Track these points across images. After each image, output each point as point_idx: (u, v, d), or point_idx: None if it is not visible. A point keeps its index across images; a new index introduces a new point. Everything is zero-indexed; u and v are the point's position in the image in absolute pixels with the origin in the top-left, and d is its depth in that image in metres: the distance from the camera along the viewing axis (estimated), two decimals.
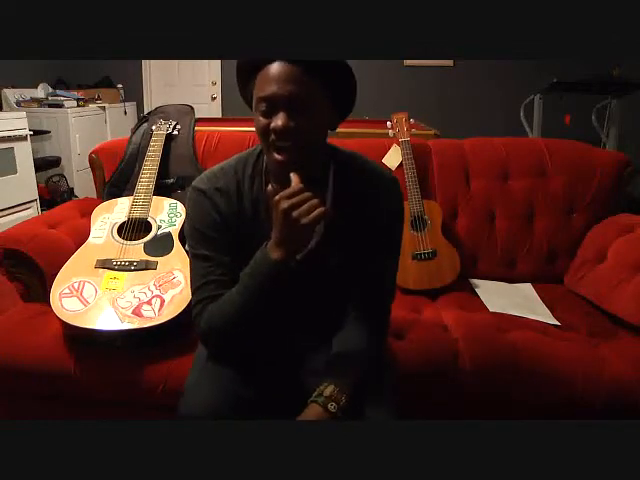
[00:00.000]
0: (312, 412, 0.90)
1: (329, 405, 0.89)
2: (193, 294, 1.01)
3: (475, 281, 1.74)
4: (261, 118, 0.90)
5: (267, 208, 0.99)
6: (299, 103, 0.87)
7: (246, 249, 0.97)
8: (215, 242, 0.99)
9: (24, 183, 3.33)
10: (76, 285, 1.33)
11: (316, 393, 0.92)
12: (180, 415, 0.95)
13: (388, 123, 1.86)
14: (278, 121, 0.87)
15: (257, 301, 0.93)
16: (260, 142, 0.95)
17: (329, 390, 0.91)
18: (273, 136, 0.89)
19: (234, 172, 1.02)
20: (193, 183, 1.03)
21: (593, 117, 3.50)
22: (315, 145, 0.94)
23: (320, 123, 0.93)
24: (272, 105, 0.88)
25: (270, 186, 0.97)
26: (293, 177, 0.89)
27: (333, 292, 1.04)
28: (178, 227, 1.55)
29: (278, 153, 0.91)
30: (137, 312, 1.26)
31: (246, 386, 0.97)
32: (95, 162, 1.92)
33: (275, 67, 0.88)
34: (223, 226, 1.00)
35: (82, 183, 3.81)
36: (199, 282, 0.99)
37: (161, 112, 2.00)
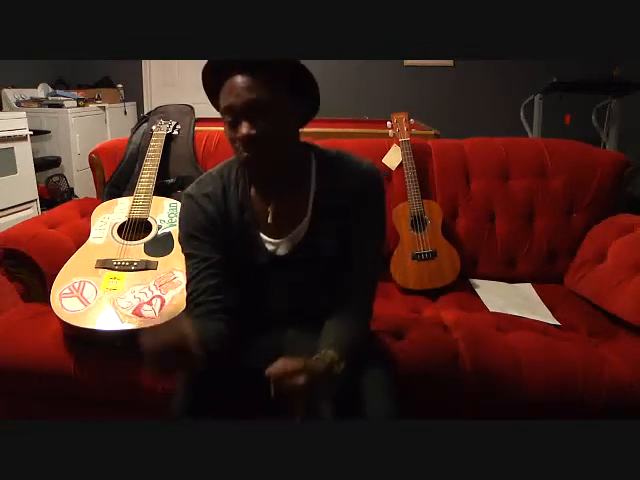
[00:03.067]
0: (317, 362, 0.91)
1: (335, 366, 0.91)
2: (186, 289, 1.06)
3: (475, 281, 1.74)
4: (228, 129, 0.95)
5: (251, 211, 1.05)
6: (258, 110, 0.90)
7: (234, 249, 1.04)
8: (203, 243, 1.04)
9: (24, 183, 3.32)
10: (76, 285, 1.33)
11: (316, 356, 0.93)
12: (172, 414, 0.98)
13: (388, 123, 1.86)
14: (242, 130, 0.91)
15: None
16: (234, 151, 0.98)
17: (329, 354, 0.93)
18: (240, 145, 0.93)
19: (220, 177, 1.07)
20: (185, 190, 1.09)
21: (593, 117, 3.50)
22: (283, 147, 0.97)
23: (284, 125, 0.95)
24: (234, 115, 0.92)
25: (252, 190, 1.04)
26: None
27: (320, 286, 1.08)
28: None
29: (247, 160, 0.95)
30: (137, 312, 1.26)
31: (235, 378, 1.00)
32: (95, 162, 1.92)
33: (232, 78, 0.91)
34: (211, 228, 1.04)
35: (82, 183, 3.81)
36: (190, 276, 1.05)
37: (161, 112, 2.00)
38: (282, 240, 1.05)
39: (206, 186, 1.06)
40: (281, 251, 1.06)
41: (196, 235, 1.04)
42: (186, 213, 1.06)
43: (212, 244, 1.03)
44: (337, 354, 0.93)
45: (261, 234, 1.05)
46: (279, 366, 0.85)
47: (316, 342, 1.01)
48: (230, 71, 0.91)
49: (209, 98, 1.00)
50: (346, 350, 0.96)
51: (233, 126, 0.93)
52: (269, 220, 1.04)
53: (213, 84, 0.96)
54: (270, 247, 1.06)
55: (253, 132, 0.91)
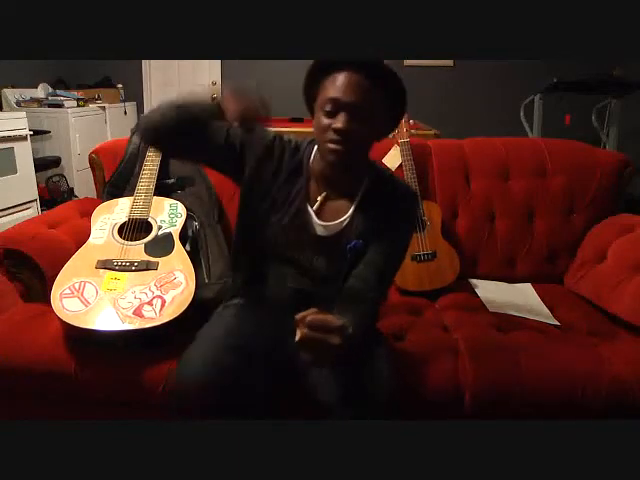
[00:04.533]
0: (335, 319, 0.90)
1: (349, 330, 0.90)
2: None
3: (475, 281, 1.74)
4: (324, 117, 1.01)
5: (305, 189, 1.12)
6: (361, 110, 0.98)
7: (275, 207, 1.13)
8: (250, 152, 1.12)
9: (24, 183, 3.32)
10: (77, 285, 1.33)
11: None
12: (170, 386, 1.04)
13: None
14: (339, 123, 0.98)
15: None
16: (317, 139, 1.06)
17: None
18: (332, 135, 0.99)
19: (298, 144, 1.15)
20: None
21: (593, 117, 3.49)
22: (365, 152, 1.09)
23: (374, 131, 1.05)
24: (337, 107, 0.99)
25: (313, 175, 1.12)
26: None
27: (342, 270, 1.12)
28: (179, 227, 1.55)
29: (332, 152, 1.01)
30: (138, 313, 1.26)
31: (239, 357, 1.02)
32: (95, 162, 1.92)
33: (346, 73, 0.98)
34: (267, 158, 1.12)
35: (82, 183, 3.81)
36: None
37: None
38: (326, 223, 1.12)
39: (291, 141, 1.15)
40: (320, 232, 1.13)
41: (255, 150, 1.11)
42: (260, 139, 1.12)
43: (240, 158, 1.11)
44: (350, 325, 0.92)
45: (311, 210, 1.12)
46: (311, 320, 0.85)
47: None
48: (343, 66, 0.98)
49: (308, 81, 1.06)
50: (356, 327, 0.95)
51: (331, 116, 0.99)
52: (315, 207, 1.12)
53: (322, 69, 1.01)
54: (313, 224, 1.12)
55: (350, 127, 0.98)
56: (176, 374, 1.04)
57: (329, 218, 1.13)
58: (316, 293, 1.13)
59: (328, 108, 0.99)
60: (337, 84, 0.99)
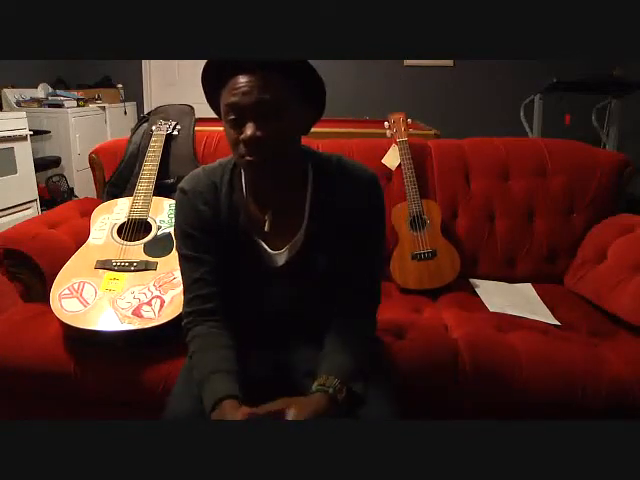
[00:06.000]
0: (319, 400, 0.88)
1: (337, 395, 0.88)
2: (183, 295, 1.04)
3: (475, 281, 1.74)
4: (229, 129, 0.89)
5: (248, 217, 1.00)
6: (268, 111, 0.86)
7: (228, 252, 1.00)
8: (197, 241, 1.01)
9: (24, 183, 3.33)
10: (76, 286, 1.33)
11: (317, 384, 0.90)
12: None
13: (385, 123, 1.86)
14: (247, 131, 0.86)
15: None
16: (233, 155, 0.94)
17: (330, 381, 0.90)
18: (243, 147, 0.88)
19: (213, 176, 1.02)
20: (179, 184, 1.04)
21: (593, 117, 3.50)
22: (287, 152, 0.93)
23: (291, 129, 0.91)
24: (240, 114, 0.87)
25: (248, 196, 1.00)
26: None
27: (320, 295, 1.04)
28: None
29: (248, 164, 0.90)
30: (137, 313, 1.26)
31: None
32: (95, 162, 1.92)
33: (242, 74, 0.86)
34: (203, 226, 1.00)
35: (82, 183, 3.81)
36: (186, 283, 1.03)
37: (161, 112, 2.00)
38: (281, 251, 1.01)
39: (199, 182, 1.01)
40: (280, 261, 1.02)
41: (189, 232, 1.00)
42: (180, 208, 1.02)
43: (204, 243, 1.00)
44: (339, 380, 0.90)
45: (261, 242, 1.01)
46: (280, 410, 0.83)
47: (315, 352, 0.99)
48: (236, 68, 0.86)
49: (207, 95, 0.95)
50: (349, 376, 0.92)
51: (237, 126, 0.88)
52: (266, 228, 0.99)
53: (214, 80, 0.90)
54: (268, 257, 1.02)
55: (259, 134, 0.86)
56: (167, 411, 0.98)
57: (285, 238, 1.01)
58: (305, 317, 1.06)
59: (231, 116, 0.87)
60: (235, 86, 0.86)
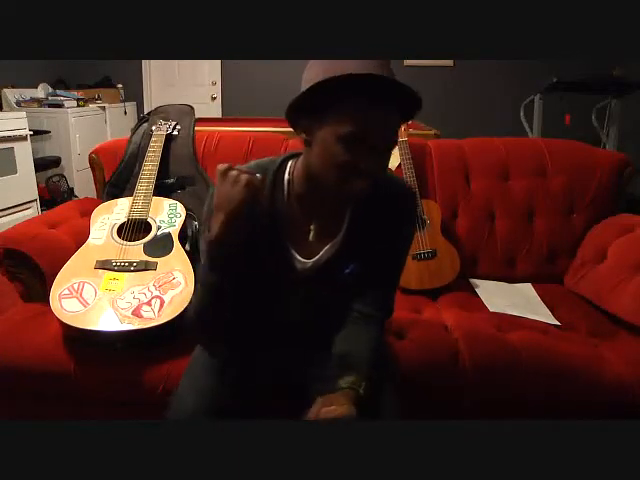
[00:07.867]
0: (346, 396, 0.88)
1: (360, 389, 0.89)
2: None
3: (475, 281, 1.74)
4: (344, 152, 0.84)
5: (288, 224, 0.99)
6: (389, 148, 0.88)
7: (253, 246, 0.96)
8: None
9: (24, 183, 3.33)
10: (76, 286, 1.33)
11: (339, 383, 0.91)
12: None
13: None
14: (371, 163, 0.84)
15: (207, 285, 0.95)
16: (324, 171, 0.88)
17: (351, 379, 0.91)
18: (357, 176, 0.85)
19: (262, 171, 0.97)
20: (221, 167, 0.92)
21: (593, 117, 3.50)
22: None
23: None
24: (365, 145, 0.83)
25: (294, 204, 0.98)
26: None
27: (340, 298, 1.04)
28: (178, 228, 1.55)
29: (355, 191, 0.87)
30: (137, 313, 1.26)
31: (233, 397, 0.99)
32: (95, 162, 1.92)
33: (367, 104, 0.82)
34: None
35: (82, 183, 3.81)
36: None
37: (161, 112, 2.00)
38: (312, 260, 1.01)
39: (249, 169, 0.93)
40: (309, 271, 1.01)
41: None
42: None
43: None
44: (358, 377, 0.91)
45: (292, 251, 1.01)
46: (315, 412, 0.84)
47: (329, 357, 0.99)
48: (356, 92, 0.81)
49: (311, 99, 0.84)
50: (366, 371, 0.94)
51: (354, 152, 0.83)
52: (311, 238, 0.99)
53: (324, 98, 0.83)
54: (299, 265, 1.01)
55: (381, 167, 0.89)
56: (169, 411, 0.99)
57: (313, 250, 1.01)
58: (322, 323, 1.05)
59: (351, 143, 0.83)
60: (367, 121, 0.82)
